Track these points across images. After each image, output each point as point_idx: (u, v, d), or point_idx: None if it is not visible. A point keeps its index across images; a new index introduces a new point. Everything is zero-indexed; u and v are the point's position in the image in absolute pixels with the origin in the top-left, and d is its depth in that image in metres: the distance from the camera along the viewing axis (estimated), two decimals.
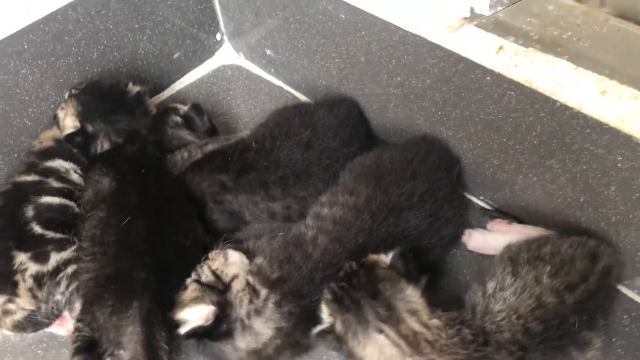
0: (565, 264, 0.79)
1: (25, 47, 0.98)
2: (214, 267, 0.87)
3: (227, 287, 0.85)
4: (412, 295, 0.69)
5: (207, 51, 1.29)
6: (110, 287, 0.85)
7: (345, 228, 0.88)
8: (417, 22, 0.88)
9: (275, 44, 1.18)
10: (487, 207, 1.04)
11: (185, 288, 0.87)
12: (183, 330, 0.84)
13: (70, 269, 0.92)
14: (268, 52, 1.21)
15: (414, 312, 0.68)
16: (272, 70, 1.25)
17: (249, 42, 1.25)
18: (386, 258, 0.75)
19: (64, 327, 0.94)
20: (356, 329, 0.70)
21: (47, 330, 0.93)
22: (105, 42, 1.08)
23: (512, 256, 0.83)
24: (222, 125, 1.16)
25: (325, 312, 0.75)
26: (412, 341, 0.67)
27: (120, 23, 1.08)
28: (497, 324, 0.73)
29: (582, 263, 0.79)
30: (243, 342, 0.84)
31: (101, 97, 1.00)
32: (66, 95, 1.03)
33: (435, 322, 0.68)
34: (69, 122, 0.99)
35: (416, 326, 0.67)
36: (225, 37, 1.30)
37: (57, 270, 0.91)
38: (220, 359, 0.86)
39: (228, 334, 0.84)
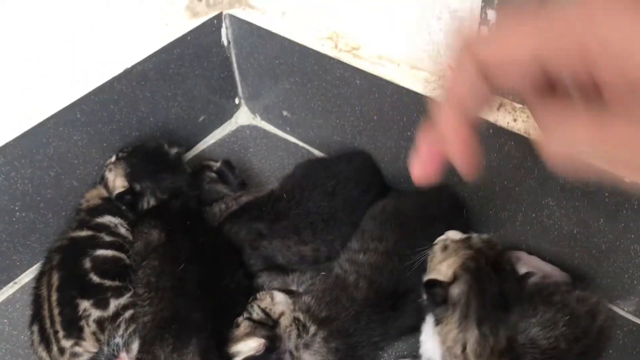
0: (574, 318, 0.90)
1: (78, 116, 1.10)
2: (262, 305, 0.99)
3: (275, 322, 0.97)
4: None
5: (227, 114, 1.42)
6: (171, 327, 0.96)
7: (379, 271, 1.01)
8: (427, 85, 1.04)
9: (292, 106, 1.32)
10: None
11: (238, 325, 0.98)
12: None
13: (127, 314, 1.01)
14: (285, 113, 1.35)
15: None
16: (288, 129, 1.39)
17: (265, 104, 1.39)
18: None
19: None
20: (472, 316, 0.74)
21: None
22: (143, 109, 1.21)
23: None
24: (247, 180, 1.28)
25: (447, 266, 0.78)
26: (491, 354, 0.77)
27: (157, 92, 1.21)
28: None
29: (585, 319, 0.91)
30: None
31: (147, 159, 1.13)
32: (113, 159, 1.14)
33: None
34: (119, 183, 1.11)
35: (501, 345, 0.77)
36: (242, 101, 1.43)
37: (117, 314, 1.01)
38: None
39: None
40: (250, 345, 0.94)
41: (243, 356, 0.94)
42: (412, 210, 1.09)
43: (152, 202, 1.12)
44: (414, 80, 1.06)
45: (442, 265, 0.81)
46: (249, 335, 0.95)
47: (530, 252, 1.11)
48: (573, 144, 0.29)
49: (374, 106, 1.15)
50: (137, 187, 1.11)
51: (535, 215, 1.06)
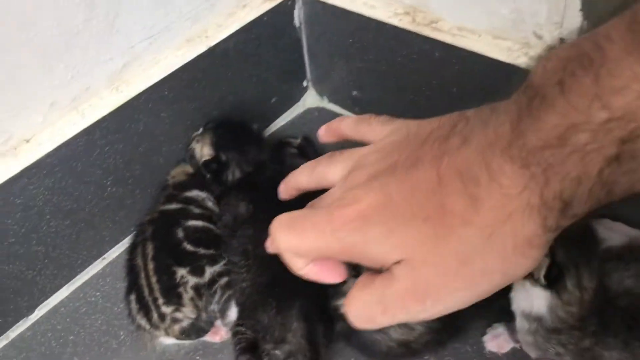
0: None
1: (166, 93, 1.12)
2: None
3: None
4: None
5: (295, 97, 1.45)
6: (272, 291, 0.97)
7: None
8: (511, 54, 1.06)
9: (363, 85, 1.34)
10: None
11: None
12: None
13: (223, 281, 1.03)
14: (354, 92, 1.37)
15: None
16: (357, 109, 1.41)
17: (334, 85, 1.41)
18: None
19: (218, 334, 1.04)
20: None
21: (201, 339, 1.04)
22: (223, 88, 1.23)
23: None
24: None
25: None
26: None
27: (236, 71, 1.24)
28: None
29: None
30: (397, 333, 0.95)
31: (233, 131, 1.16)
32: (200, 130, 1.17)
33: None
34: (206, 151, 1.13)
35: None
36: (310, 84, 1.46)
37: (213, 281, 1.03)
38: (369, 349, 0.98)
39: None
40: None
41: None
42: None
43: (237, 174, 1.14)
44: (497, 50, 1.08)
45: None
46: None
47: (614, 219, 1.11)
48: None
49: (453, 78, 1.16)
50: (223, 157, 1.13)
51: None
